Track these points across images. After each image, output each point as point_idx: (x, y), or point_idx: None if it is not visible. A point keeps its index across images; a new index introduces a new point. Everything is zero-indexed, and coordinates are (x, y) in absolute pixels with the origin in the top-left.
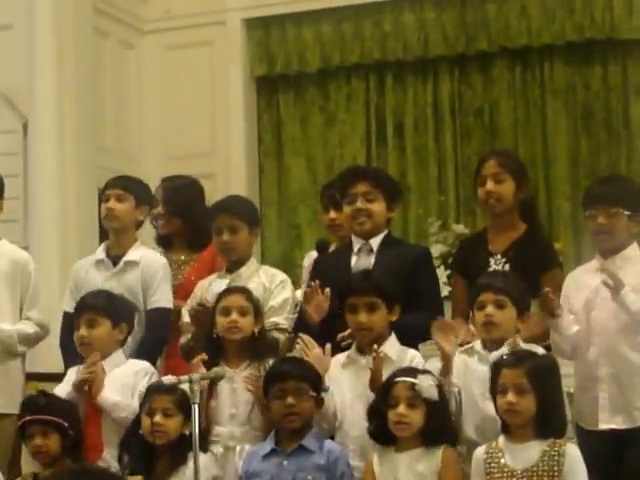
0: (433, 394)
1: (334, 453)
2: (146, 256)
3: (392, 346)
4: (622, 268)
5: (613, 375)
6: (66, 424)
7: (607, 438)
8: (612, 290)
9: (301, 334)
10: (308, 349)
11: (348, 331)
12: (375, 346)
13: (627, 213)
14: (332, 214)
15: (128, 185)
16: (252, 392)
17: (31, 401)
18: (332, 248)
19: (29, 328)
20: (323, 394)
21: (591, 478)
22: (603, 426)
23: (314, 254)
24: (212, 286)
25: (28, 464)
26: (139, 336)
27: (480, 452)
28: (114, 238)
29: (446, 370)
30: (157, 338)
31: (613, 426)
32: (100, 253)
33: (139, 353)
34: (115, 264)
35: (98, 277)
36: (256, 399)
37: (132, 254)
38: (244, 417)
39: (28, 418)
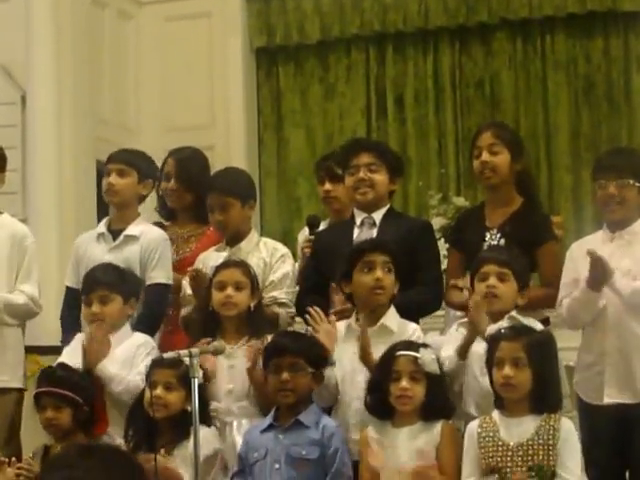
0: (435, 368)
1: (329, 429)
2: (146, 231)
3: (393, 318)
4: (631, 243)
5: (620, 349)
6: (80, 399)
7: (612, 413)
8: (601, 279)
9: (309, 308)
10: (317, 323)
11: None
12: (362, 315)
13: (638, 185)
14: (327, 186)
15: (131, 159)
16: (249, 364)
17: (47, 373)
18: (323, 224)
19: (19, 299)
20: (328, 368)
21: (595, 453)
22: (608, 401)
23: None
24: (210, 259)
25: (39, 435)
26: (136, 312)
27: (474, 426)
28: (116, 212)
29: (465, 349)
30: (155, 314)
31: (619, 401)
32: (101, 227)
33: (137, 329)
34: (115, 238)
35: (97, 251)
36: (249, 372)
37: (133, 229)
38: (241, 393)
39: (41, 390)
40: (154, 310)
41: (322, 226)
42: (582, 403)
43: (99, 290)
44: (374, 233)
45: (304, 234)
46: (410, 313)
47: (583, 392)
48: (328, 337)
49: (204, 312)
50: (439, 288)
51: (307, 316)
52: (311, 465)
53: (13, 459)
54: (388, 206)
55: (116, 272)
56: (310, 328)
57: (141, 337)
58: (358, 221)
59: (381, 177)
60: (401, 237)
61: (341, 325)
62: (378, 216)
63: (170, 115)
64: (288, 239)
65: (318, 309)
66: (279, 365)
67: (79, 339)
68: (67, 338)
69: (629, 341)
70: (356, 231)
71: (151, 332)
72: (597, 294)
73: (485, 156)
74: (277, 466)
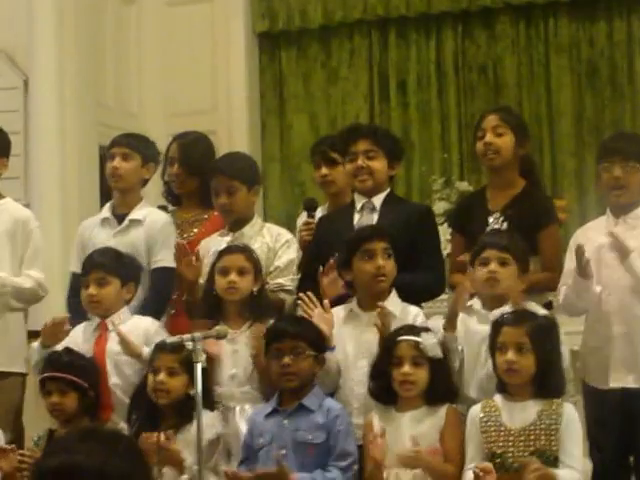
0: (437, 352)
1: (333, 411)
2: (151, 215)
3: (394, 302)
4: (635, 227)
5: (625, 334)
6: (85, 384)
7: (618, 399)
8: (620, 255)
9: (301, 293)
10: (309, 308)
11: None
12: (380, 302)
13: None
14: (324, 170)
15: (134, 143)
16: (254, 349)
17: (53, 358)
18: (322, 208)
19: (25, 283)
20: (328, 352)
21: (600, 438)
22: (614, 385)
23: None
24: (212, 244)
25: (42, 420)
26: (142, 295)
27: (476, 410)
28: (119, 197)
29: (451, 326)
30: (160, 297)
31: (624, 385)
32: (105, 212)
33: (143, 313)
34: (120, 222)
35: (102, 235)
36: (254, 357)
37: (137, 212)
38: (244, 378)
39: (46, 375)
40: (161, 293)
41: (320, 210)
42: (587, 387)
43: (95, 272)
44: (374, 218)
45: (302, 218)
46: (412, 295)
47: (589, 376)
48: (323, 321)
49: (207, 297)
50: (441, 272)
51: (299, 302)
52: (318, 449)
53: (13, 446)
54: (388, 190)
55: (114, 255)
56: (302, 312)
57: (146, 320)
58: (358, 206)
59: (379, 164)
60: (401, 222)
61: (340, 310)
62: (378, 201)
63: (172, 100)
64: (292, 224)
65: (311, 294)
66: (280, 349)
67: (79, 329)
68: (75, 325)
69: (634, 325)
70: (356, 216)
71: (158, 316)
72: (588, 281)
73: (489, 137)
74: (284, 452)
